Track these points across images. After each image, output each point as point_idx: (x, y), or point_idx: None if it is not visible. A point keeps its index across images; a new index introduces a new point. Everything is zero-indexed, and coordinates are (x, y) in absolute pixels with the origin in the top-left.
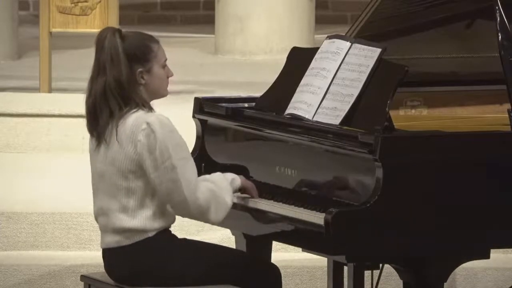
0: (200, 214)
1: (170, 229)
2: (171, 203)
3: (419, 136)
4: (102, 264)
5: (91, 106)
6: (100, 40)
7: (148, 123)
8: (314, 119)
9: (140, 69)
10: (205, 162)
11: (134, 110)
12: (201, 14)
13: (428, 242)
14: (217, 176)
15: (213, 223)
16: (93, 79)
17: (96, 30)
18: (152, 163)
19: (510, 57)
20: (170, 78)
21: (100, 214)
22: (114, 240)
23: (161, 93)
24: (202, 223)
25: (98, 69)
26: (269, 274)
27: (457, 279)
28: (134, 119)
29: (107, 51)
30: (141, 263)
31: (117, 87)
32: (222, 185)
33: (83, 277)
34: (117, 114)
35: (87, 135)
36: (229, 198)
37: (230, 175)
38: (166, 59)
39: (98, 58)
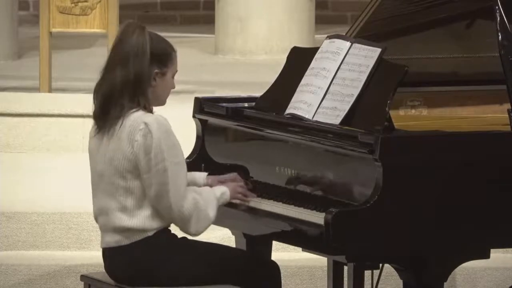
0: (182, 223)
1: (169, 228)
2: (158, 206)
3: (419, 136)
4: (102, 264)
5: (107, 94)
6: (127, 33)
7: (145, 123)
8: (314, 119)
9: (156, 70)
10: (205, 162)
11: (135, 110)
12: (201, 14)
13: (428, 242)
14: (205, 189)
15: (192, 235)
16: (110, 68)
17: (96, 30)
18: (146, 164)
19: (510, 57)
20: None
21: (99, 213)
22: (113, 240)
23: (161, 100)
24: None
25: (120, 60)
26: (269, 273)
27: (457, 279)
28: (133, 118)
29: (135, 45)
30: (141, 262)
31: (135, 82)
32: (208, 199)
33: (83, 277)
34: (121, 110)
35: (87, 135)
36: (212, 213)
37: (219, 190)
38: (177, 71)
39: (121, 49)
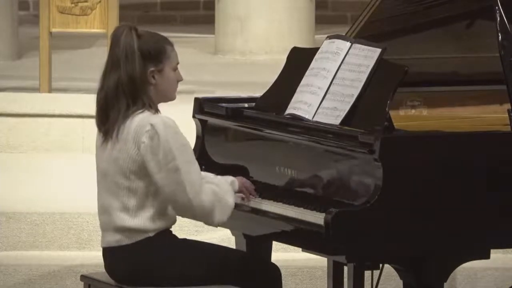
0: (204, 216)
1: (170, 229)
2: (175, 205)
3: (419, 136)
4: (102, 264)
5: (103, 100)
6: (116, 36)
7: (152, 125)
8: (314, 119)
9: (152, 69)
10: (205, 162)
11: (141, 110)
12: (201, 14)
13: (428, 242)
14: (218, 178)
15: (216, 225)
16: (105, 74)
17: (96, 30)
18: (156, 165)
19: (510, 57)
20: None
21: (102, 212)
22: (114, 239)
23: (169, 96)
24: (201, 223)
25: (112, 64)
26: (269, 274)
27: (457, 279)
28: (139, 119)
29: (123, 47)
30: (141, 262)
31: (129, 83)
32: (224, 187)
33: (83, 277)
34: (124, 112)
35: (87, 135)
36: (231, 200)
37: (229, 178)
38: (178, 63)
39: (112, 53)
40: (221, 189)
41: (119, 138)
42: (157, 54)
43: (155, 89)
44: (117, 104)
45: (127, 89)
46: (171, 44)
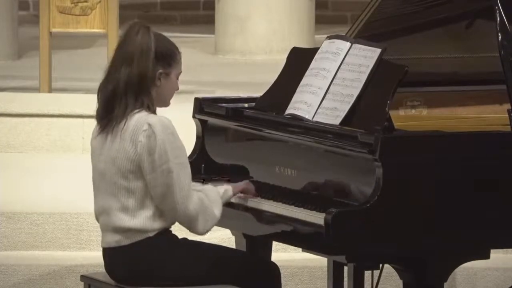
0: (188, 223)
1: (170, 229)
2: (163, 207)
3: (419, 136)
4: (102, 264)
5: (110, 93)
6: (131, 32)
7: (149, 124)
8: (314, 119)
9: (160, 70)
10: (205, 162)
11: (138, 110)
12: (201, 14)
13: (428, 242)
14: (208, 187)
15: (199, 234)
16: (115, 68)
17: (96, 30)
18: (149, 165)
19: (510, 57)
20: None
21: (101, 213)
22: (114, 240)
23: (166, 101)
24: None
25: (124, 59)
26: (269, 274)
27: (457, 279)
28: (137, 119)
29: (139, 44)
30: (141, 263)
31: (139, 81)
32: (213, 197)
33: (83, 277)
34: (127, 109)
35: (87, 135)
36: (218, 211)
37: (221, 187)
38: (181, 72)
39: (125, 48)
40: (209, 198)
41: (116, 136)
42: (168, 57)
43: (157, 91)
44: (124, 99)
45: (134, 85)
46: (179, 52)
